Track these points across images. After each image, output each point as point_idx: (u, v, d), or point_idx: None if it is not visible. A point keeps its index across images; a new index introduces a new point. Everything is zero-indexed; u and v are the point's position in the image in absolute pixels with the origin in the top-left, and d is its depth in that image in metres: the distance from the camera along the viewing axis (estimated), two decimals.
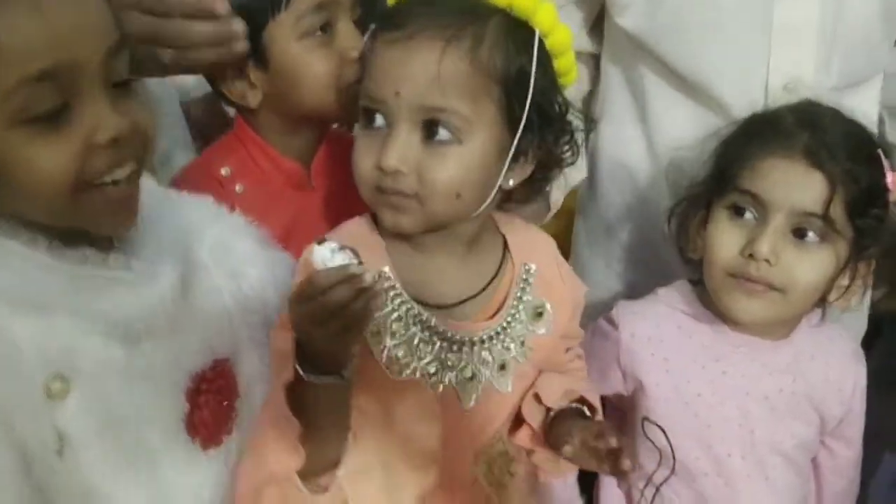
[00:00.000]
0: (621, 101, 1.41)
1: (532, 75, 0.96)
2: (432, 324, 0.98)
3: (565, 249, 1.53)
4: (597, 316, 1.34)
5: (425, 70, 0.92)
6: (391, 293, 0.97)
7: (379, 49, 0.95)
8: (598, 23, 1.42)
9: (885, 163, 1.19)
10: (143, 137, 0.86)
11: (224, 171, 1.18)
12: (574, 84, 1.08)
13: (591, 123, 1.04)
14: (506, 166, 0.99)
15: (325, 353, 0.86)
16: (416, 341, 0.98)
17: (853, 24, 1.27)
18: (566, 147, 1.03)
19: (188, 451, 0.95)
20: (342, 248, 0.78)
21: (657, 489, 1.26)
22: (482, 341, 1.01)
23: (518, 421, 1.10)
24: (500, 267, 1.05)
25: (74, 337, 0.87)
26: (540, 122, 0.98)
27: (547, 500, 1.34)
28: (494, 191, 1.00)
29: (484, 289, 1.03)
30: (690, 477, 1.25)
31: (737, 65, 1.28)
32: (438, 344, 0.99)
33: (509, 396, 1.05)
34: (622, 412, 1.32)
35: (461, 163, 0.95)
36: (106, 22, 0.84)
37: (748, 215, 1.16)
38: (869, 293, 1.33)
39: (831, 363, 1.26)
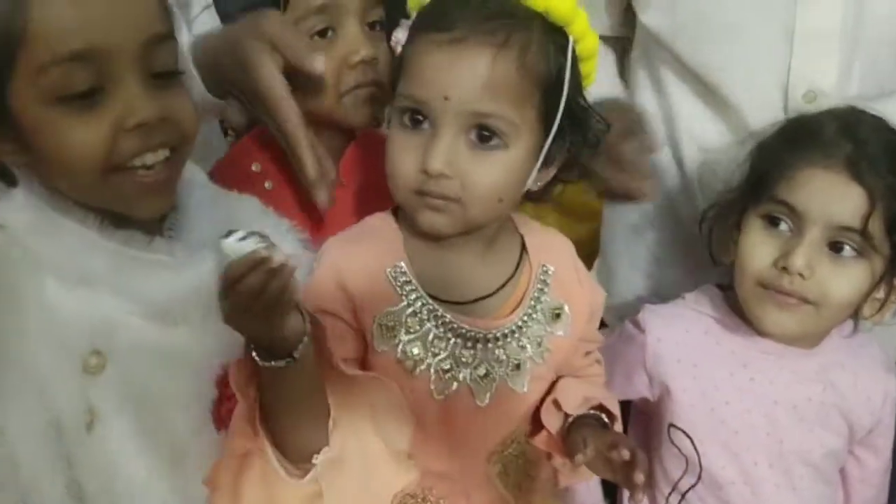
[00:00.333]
0: (648, 102, 1.40)
1: (566, 80, 0.96)
2: (447, 320, 0.98)
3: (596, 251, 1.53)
4: (623, 317, 1.33)
5: (477, 76, 0.92)
6: (407, 288, 0.98)
7: (423, 51, 0.94)
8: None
9: None
10: (176, 126, 0.90)
11: (255, 167, 1.18)
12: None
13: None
14: (537, 169, 0.99)
15: (261, 338, 0.85)
16: (430, 337, 0.98)
17: (877, 31, 1.24)
18: (590, 149, 1.03)
19: (213, 442, 0.97)
20: (248, 234, 0.78)
21: (683, 496, 1.25)
22: (496, 339, 1.01)
23: (538, 424, 1.09)
24: (517, 266, 1.05)
25: (114, 315, 0.91)
26: (569, 125, 0.99)
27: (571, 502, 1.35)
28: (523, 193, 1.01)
29: (501, 287, 1.03)
30: (717, 485, 1.24)
31: (756, 69, 1.26)
32: (453, 340, 0.99)
33: (525, 397, 1.05)
34: (647, 417, 1.30)
35: (506, 168, 0.96)
36: (147, 14, 0.88)
37: (783, 226, 1.14)
38: None
39: (861, 373, 1.24)
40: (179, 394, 0.95)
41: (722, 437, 1.22)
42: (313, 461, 0.92)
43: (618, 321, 1.36)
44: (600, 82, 1.20)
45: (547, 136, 0.97)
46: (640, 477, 0.96)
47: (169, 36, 0.90)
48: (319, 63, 1.08)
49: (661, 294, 1.37)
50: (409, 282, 0.98)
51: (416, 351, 0.98)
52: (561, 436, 1.08)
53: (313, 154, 1.09)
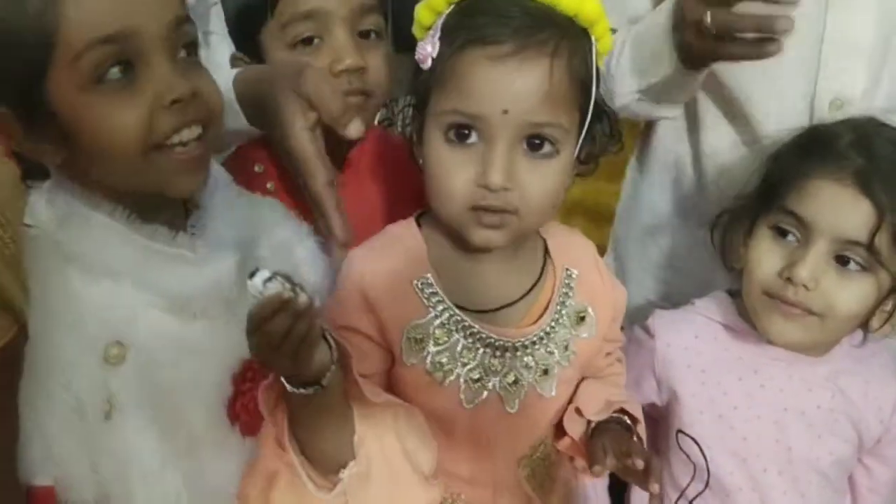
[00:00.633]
0: None
1: (594, 80, 0.97)
2: (475, 330, 0.98)
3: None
4: (634, 321, 1.32)
5: (536, 88, 0.91)
6: (434, 300, 0.98)
7: (474, 65, 0.92)
8: None
9: None
10: (205, 103, 0.93)
11: (257, 168, 1.19)
12: None
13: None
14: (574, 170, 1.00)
15: (290, 372, 0.87)
16: (459, 348, 0.98)
17: None
18: (612, 139, 1.04)
19: (227, 435, 0.99)
20: (273, 276, 0.78)
21: (690, 503, 1.24)
22: (525, 346, 1.01)
23: (561, 428, 1.10)
24: (542, 271, 1.05)
25: (136, 307, 0.94)
26: (596, 120, 0.99)
27: None
28: None
29: (527, 293, 1.03)
30: (724, 492, 1.23)
31: (783, 77, 1.25)
32: (482, 350, 0.99)
33: (553, 401, 1.06)
34: (656, 423, 1.30)
35: (560, 173, 0.96)
36: None
37: (790, 237, 1.14)
38: None
39: (872, 381, 1.24)
40: (196, 386, 0.97)
41: (730, 444, 1.22)
42: (340, 475, 0.93)
43: (629, 325, 1.36)
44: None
45: (580, 134, 0.98)
46: (654, 487, 0.98)
47: (188, 19, 0.93)
48: (355, 127, 1.08)
49: (673, 299, 1.37)
50: (436, 293, 0.98)
51: (445, 362, 0.98)
52: (584, 441, 1.08)
53: (341, 216, 1.09)
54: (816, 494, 1.23)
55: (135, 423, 0.93)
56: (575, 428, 1.08)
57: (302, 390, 0.86)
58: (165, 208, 0.98)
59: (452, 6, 0.95)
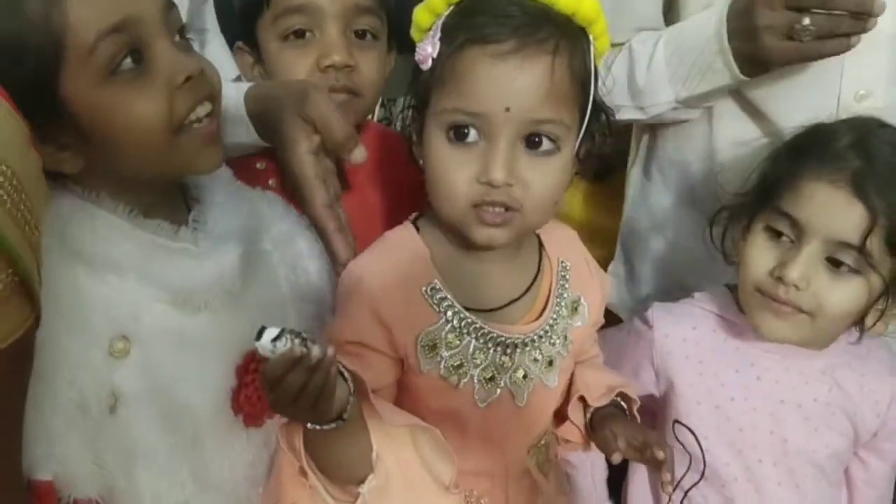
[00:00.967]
0: None
1: (593, 78, 0.98)
2: (486, 331, 1.00)
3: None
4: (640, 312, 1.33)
5: (538, 85, 0.92)
6: (444, 305, 0.98)
7: (476, 64, 0.92)
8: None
9: None
10: (210, 79, 0.96)
11: (259, 165, 1.20)
12: None
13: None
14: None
15: (312, 421, 0.88)
16: (471, 349, 0.99)
17: None
18: (612, 136, 1.05)
19: (231, 425, 1.00)
20: (281, 333, 0.78)
21: (686, 493, 1.25)
22: (532, 341, 1.03)
23: (557, 414, 1.13)
24: (539, 265, 1.06)
25: (140, 301, 0.95)
26: (595, 118, 1.01)
27: (577, 501, 1.36)
28: None
29: (528, 288, 1.04)
30: (720, 482, 1.24)
31: (809, 73, 1.26)
32: (493, 349, 1.00)
33: (556, 390, 1.08)
34: (653, 413, 1.31)
35: (561, 169, 0.97)
36: None
37: (784, 238, 1.15)
38: None
39: (868, 375, 1.24)
40: (200, 379, 0.97)
41: (726, 435, 1.23)
42: (360, 489, 0.94)
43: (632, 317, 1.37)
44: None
45: (579, 132, 0.99)
46: (667, 476, 1.03)
47: (172, 3, 0.95)
48: (359, 153, 1.08)
49: (682, 294, 1.37)
50: (445, 298, 0.98)
51: (458, 365, 0.99)
52: (586, 427, 1.12)
53: (344, 238, 1.08)
54: (812, 486, 1.24)
55: (139, 415, 0.94)
56: (579, 416, 1.12)
57: (325, 427, 0.88)
58: (167, 204, 1.00)
59: (451, 7, 0.96)
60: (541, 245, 1.08)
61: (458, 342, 0.99)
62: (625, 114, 1.34)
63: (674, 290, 1.40)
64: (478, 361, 1.00)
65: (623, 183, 1.55)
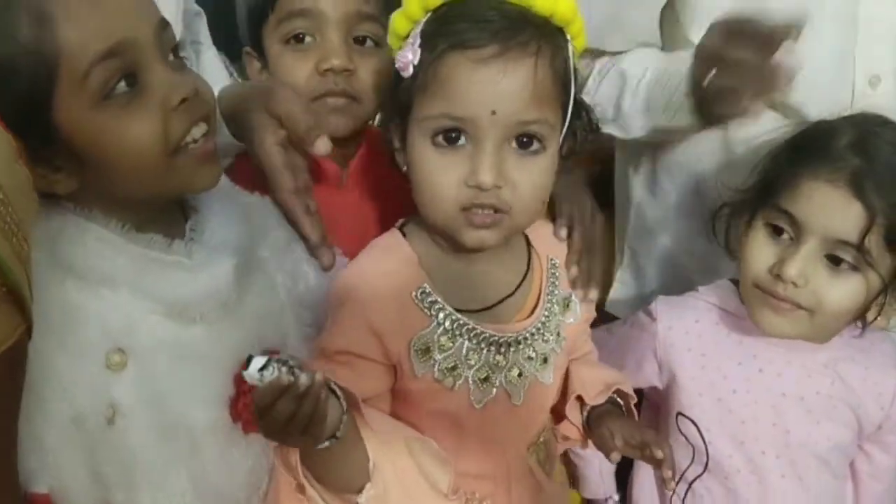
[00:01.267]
0: None
1: (573, 77, 0.99)
2: (478, 331, 1.00)
3: None
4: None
5: (522, 87, 0.93)
6: (435, 308, 0.99)
7: (459, 68, 0.93)
8: None
9: None
10: (204, 99, 0.95)
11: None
12: None
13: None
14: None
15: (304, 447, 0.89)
16: (464, 351, 1.00)
17: None
18: (593, 132, 1.06)
19: (229, 433, 1.00)
20: (268, 362, 0.78)
21: (689, 485, 1.25)
22: (525, 339, 1.04)
23: (554, 410, 1.14)
24: (528, 263, 1.07)
25: (134, 314, 0.95)
26: (576, 116, 1.01)
27: (585, 493, 1.38)
28: None
29: (519, 286, 1.05)
30: (723, 474, 1.25)
31: (823, 62, 1.25)
32: (486, 349, 1.01)
33: (551, 387, 1.08)
34: (657, 406, 1.31)
35: (548, 169, 0.98)
36: (149, 2, 0.94)
37: (784, 235, 1.14)
38: None
39: (872, 368, 1.24)
40: (197, 389, 0.98)
41: (729, 427, 1.23)
42: (358, 499, 0.95)
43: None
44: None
45: (562, 130, 0.99)
46: (668, 473, 1.04)
47: (166, 22, 0.95)
48: (322, 144, 1.10)
49: (682, 288, 1.36)
50: (436, 301, 0.99)
51: (452, 367, 0.99)
52: (583, 425, 1.13)
53: (311, 220, 1.12)
54: (815, 478, 1.24)
55: (138, 426, 0.94)
56: (576, 415, 1.13)
57: (320, 447, 0.88)
58: (162, 217, 0.99)
59: (429, 13, 0.96)
60: (529, 243, 1.08)
61: (451, 344, 0.99)
62: (609, 128, 1.36)
63: (676, 285, 1.39)
64: (472, 362, 1.00)
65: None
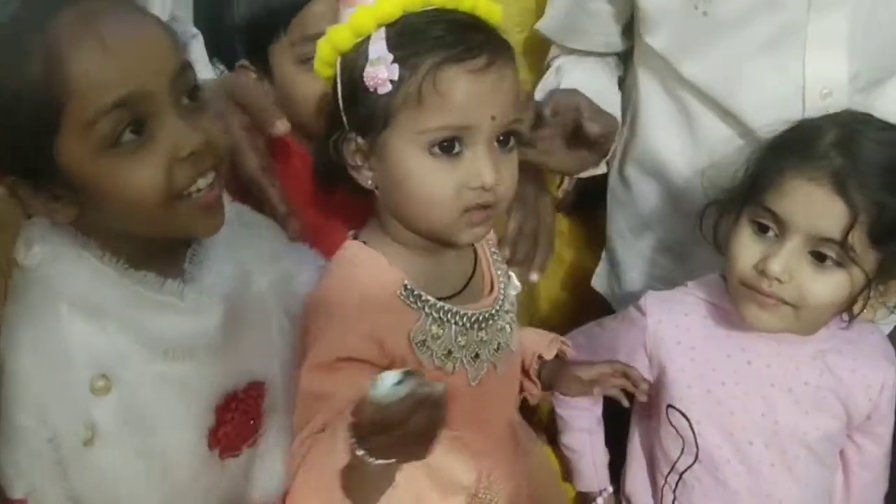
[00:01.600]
0: (657, 105, 1.42)
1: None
2: (462, 313, 1.04)
3: None
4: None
5: (511, 91, 0.99)
6: (420, 301, 1.02)
7: (456, 80, 0.95)
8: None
9: None
10: (216, 148, 0.94)
11: None
12: None
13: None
14: None
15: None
16: (453, 334, 1.04)
17: (881, 35, 1.26)
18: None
19: (205, 459, 1.02)
20: (400, 378, 0.79)
21: (680, 476, 1.27)
22: (496, 313, 1.09)
23: None
24: (474, 248, 1.12)
25: (121, 345, 0.95)
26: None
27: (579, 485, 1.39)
28: None
29: (475, 269, 1.11)
30: (713, 464, 1.26)
31: (771, 80, 1.27)
32: (470, 329, 1.05)
33: (517, 353, 1.16)
34: (648, 398, 1.32)
35: (516, 162, 1.04)
36: (168, 49, 0.92)
37: (770, 232, 1.16)
38: None
39: (860, 359, 1.25)
40: (178, 420, 0.99)
41: (718, 418, 1.25)
42: None
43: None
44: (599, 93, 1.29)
45: None
46: (644, 385, 1.18)
47: (187, 65, 0.93)
48: (281, 125, 1.18)
49: (668, 286, 1.39)
50: (419, 294, 1.02)
51: (447, 353, 1.03)
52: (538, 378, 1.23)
53: (277, 192, 1.19)
54: (804, 468, 1.25)
55: (115, 449, 0.95)
56: (536, 371, 1.22)
57: (383, 463, 0.86)
58: (159, 253, 0.98)
59: (386, 30, 0.97)
60: None
61: (441, 331, 1.02)
62: None
63: (662, 284, 1.42)
64: (462, 343, 1.04)
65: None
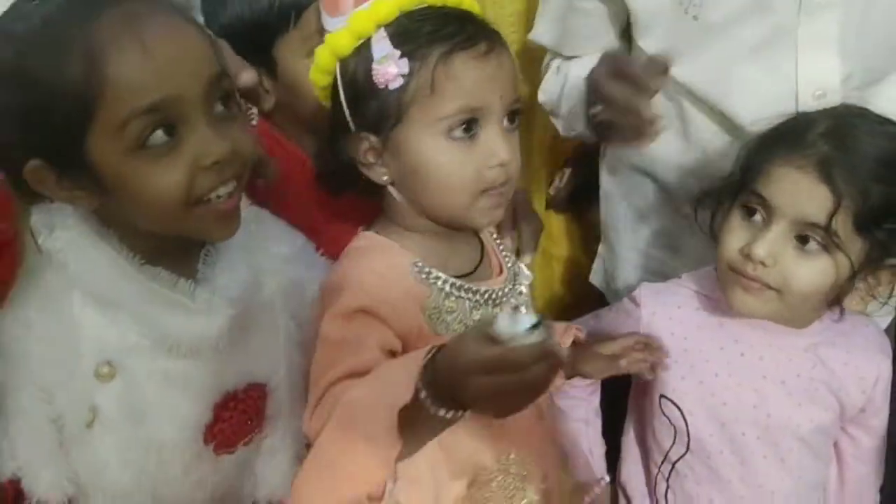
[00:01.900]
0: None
1: None
2: (475, 289, 1.08)
3: None
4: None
5: (511, 72, 1.05)
6: (433, 277, 1.05)
7: (465, 67, 1.00)
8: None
9: None
10: (242, 158, 0.96)
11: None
12: None
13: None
14: None
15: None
16: (468, 309, 1.07)
17: (874, 35, 1.26)
18: None
19: (199, 453, 1.05)
20: (535, 322, 0.76)
21: (673, 465, 1.29)
22: (509, 292, 1.12)
23: None
24: (477, 234, 1.15)
25: (129, 337, 0.98)
26: None
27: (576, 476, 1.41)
28: None
29: (482, 252, 1.14)
30: (705, 454, 1.28)
31: (764, 83, 1.28)
32: (485, 306, 1.09)
33: None
34: (642, 389, 1.35)
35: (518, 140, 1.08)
36: (205, 56, 0.93)
37: (757, 216, 1.18)
38: None
39: (854, 351, 1.26)
40: (176, 414, 1.02)
41: (710, 409, 1.26)
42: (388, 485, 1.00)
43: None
44: None
45: None
46: (664, 357, 1.26)
47: (223, 73, 0.95)
48: (247, 75, 1.19)
49: (664, 279, 1.40)
50: (431, 271, 1.05)
51: (460, 327, 1.06)
52: None
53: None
54: (797, 460, 1.26)
55: (113, 434, 0.98)
56: None
57: (448, 413, 0.86)
58: (175, 249, 1.00)
59: (382, 28, 1.00)
60: None
61: (455, 306, 1.06)
62: (556, 123, 1.47)
63: (658, 276, 1.43)
64: (476, 317, 1.07)
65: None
